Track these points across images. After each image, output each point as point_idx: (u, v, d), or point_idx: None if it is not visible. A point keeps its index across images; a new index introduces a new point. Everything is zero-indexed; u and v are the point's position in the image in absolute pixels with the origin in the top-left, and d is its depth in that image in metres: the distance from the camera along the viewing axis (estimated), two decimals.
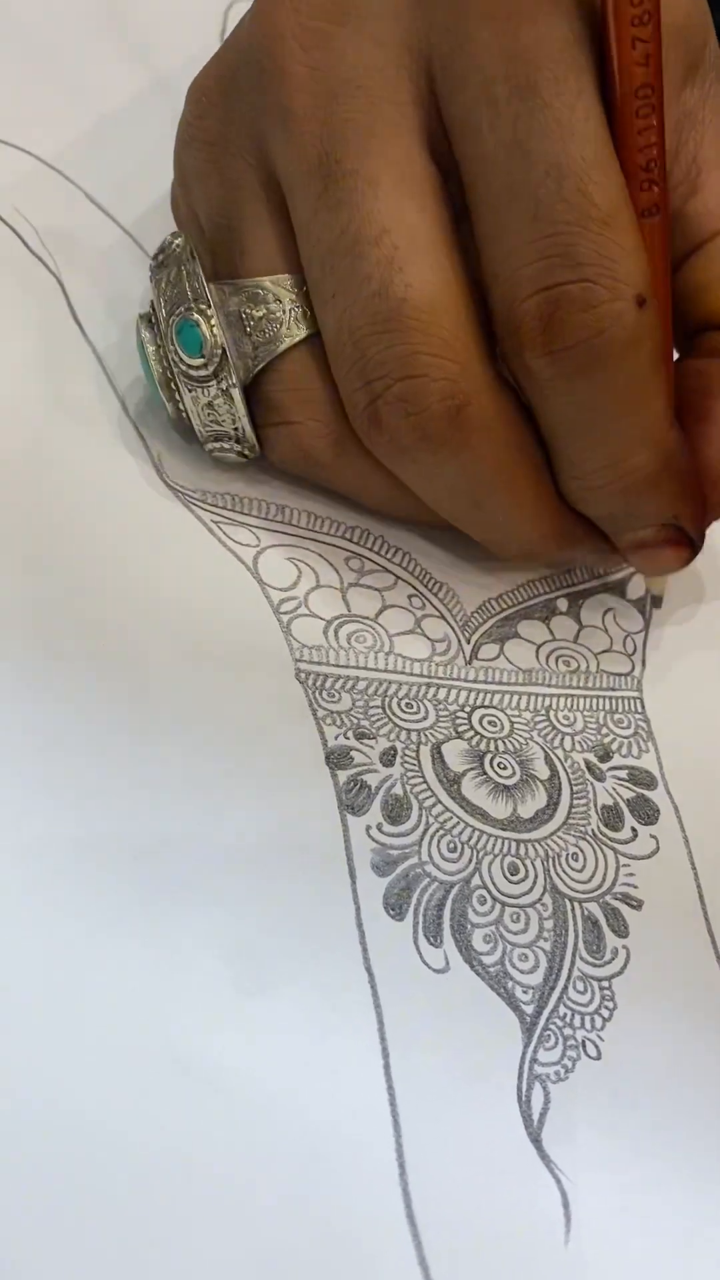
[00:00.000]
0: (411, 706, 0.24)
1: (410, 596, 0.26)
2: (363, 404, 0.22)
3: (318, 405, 0.23)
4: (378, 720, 0.24)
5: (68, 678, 0.21)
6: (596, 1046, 0.21)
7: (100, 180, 0.29)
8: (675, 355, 0.24)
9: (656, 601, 0.28)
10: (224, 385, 0.23)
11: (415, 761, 0.23)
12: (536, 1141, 0.20)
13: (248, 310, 0.23)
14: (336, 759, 0.23)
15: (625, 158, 0.20)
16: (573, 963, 0.22)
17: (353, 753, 0.23)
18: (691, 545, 0.24)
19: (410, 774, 0.23)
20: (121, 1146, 0.17)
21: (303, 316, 0.23)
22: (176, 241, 0.23)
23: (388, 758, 0.23)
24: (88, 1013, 0.18)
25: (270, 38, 0.22)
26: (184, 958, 0.19)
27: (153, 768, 0.21)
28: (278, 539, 0.25)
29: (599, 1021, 0.21)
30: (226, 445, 0.24)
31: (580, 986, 0.22)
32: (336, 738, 0.23)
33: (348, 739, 0.23)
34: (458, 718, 0.24)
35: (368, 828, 0.22)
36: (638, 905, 0.23)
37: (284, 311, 0.23)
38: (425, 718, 0.24)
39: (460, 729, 0.24)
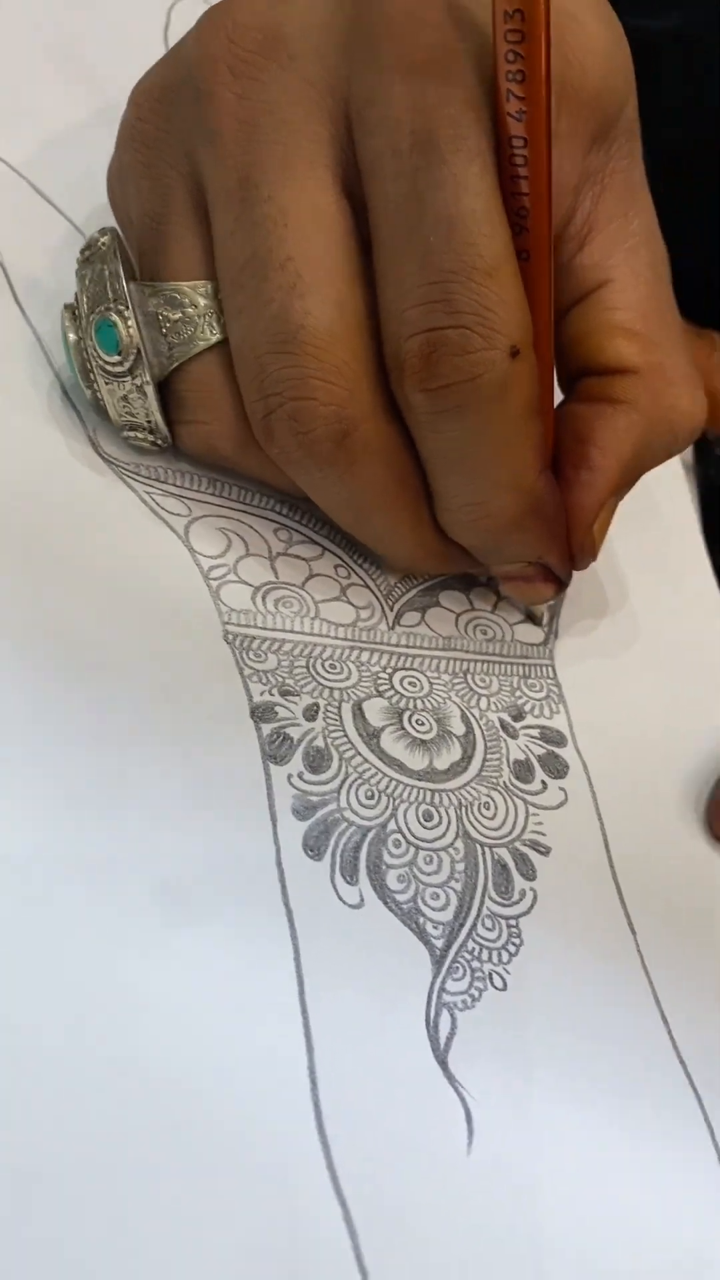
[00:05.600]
0: (335, 667, 0.25)
1: (336, 566, 0.27)
2: (259, 415, 0.23)
3: (223, 408, 0.24)
4: (302, 679, 0.25)
5: (2, 639, 0.23)
6: (502, 978, 0.23)
7: (51, 177, 0.30)
8: (558, 400, 0.26)
9: (534, 619, 0.29)
10: (138, 381, 0.24)
11: (337, 717, 0.25)
12: (443, 1063, 0.21)
13: (165, 312, 0.24)
14: (261, 713, 0.24)
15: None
16: (482, 902, 0.23)
17: (277, 708, 0.24)
18: (557, 583, 0.27)
19: (332, 728, 0.24)
20: (57, 1056, 0.18)
21: (216, 322, 0.24)
22: (103, 239, 0.24)
23: (310, 713, 0.24)
24: (31, 941, 0.19)
25: (206, 60, 0.23)
26: (116, 893, 0.20)
27: (87, 721, 0.22)
28: (209, 510, 0.26)
29: (505, 956, 0.23)
30: (140, 434, 0.25)
31: (489, 924, 0.23)
32: (261, 694, 0.24)
33: (272, 695, 0.24)
34: (379, 678, 0.26)
35: (289, 776, 0.23)
36: (545, 851, 0.25)
37: (199, 316, 0.24)
38: (348, 677, 0.25)
39: (381, 688, 0.26)
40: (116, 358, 0.24)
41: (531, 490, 0.24)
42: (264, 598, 0.26)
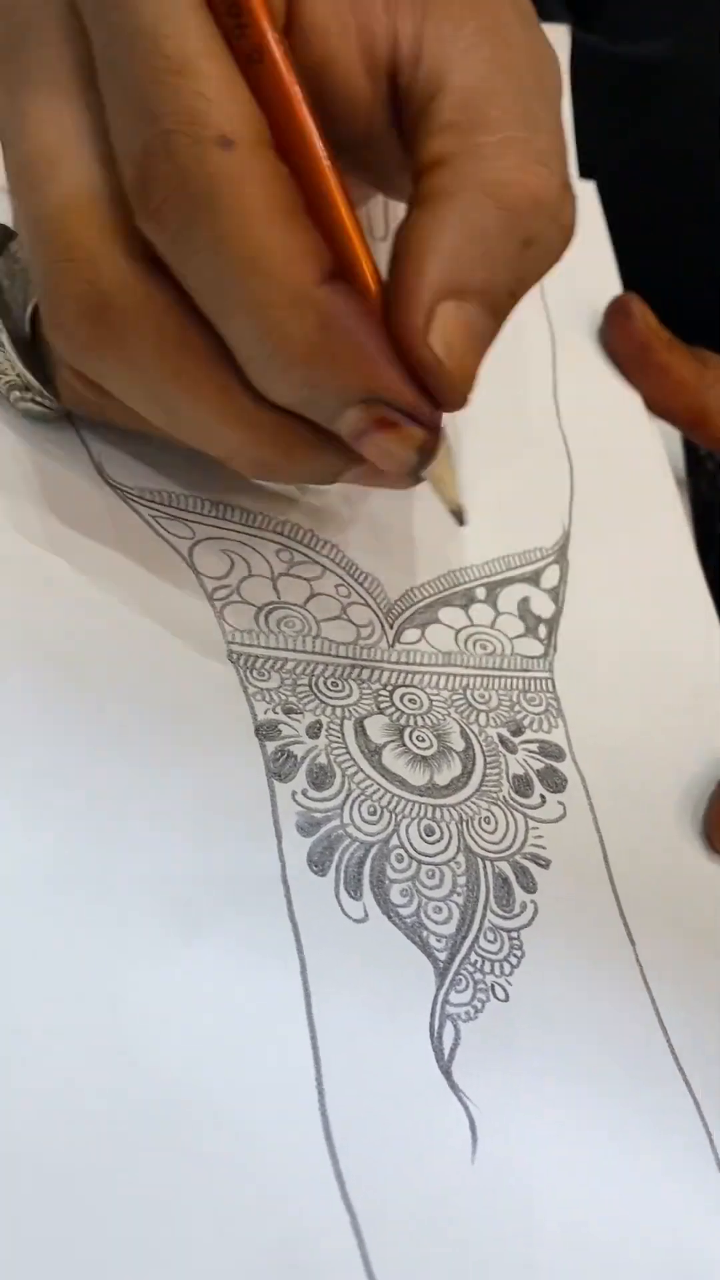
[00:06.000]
0: (337, 685, 0.26)
1: (337, 586, 0.28)
2: (45, 323, 0.22)
3: None
4: (304, 697, 0.25)
5: (11, 659, 0.23)
6: (504, 990, 0.23)
7: None
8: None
9: (459, 518, 0.25)
10: None
11: (339, 734, 0.25)
12: (447, 1073, 0.21)
13: (13, 267, 0.24)
14: (265, 731, 0.24)
15: (211, 6, 0.20)
16: (484, 915, 0.24)
17: (280, 726, 0.25)
18: (416, 424, 0.22)
19: (334, 745, 0.25)
20: (64, 1068, 0.19)
21: None
22: None
23: (313, 730, 0.25)
24: (38, 956, 0.20)
25: None
26: (124, 907, 0.21)
27: (95, 739, 0.23)
28: (212, 532, 0.27)
29: (507, 968, 0.23)
30: (22, 395, 0.25)
31: (490, 936, 0.24)
32: (265, 712, 0.25)
33: (276, 713, 0.25)
34: (380, 695, 0.26)
35: (293, 793, 0.24)
36: (545, 864, 0.25)
37: None
38: (350, 695, 0.26)
39: (382, 705, 0.26)
40: None
41: (313, 303, 0.20)
42: (266, 617, 0.26)
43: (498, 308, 0.22)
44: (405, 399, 0.21)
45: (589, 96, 0.42)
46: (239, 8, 0.20)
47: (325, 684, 0.26)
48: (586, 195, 0.40)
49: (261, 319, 0.20)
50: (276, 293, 0.20)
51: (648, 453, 0.35)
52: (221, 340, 0.21)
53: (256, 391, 0.22)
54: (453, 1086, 0.21)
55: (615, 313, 0.36)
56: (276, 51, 0.20)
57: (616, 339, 0.36)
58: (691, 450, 0.45)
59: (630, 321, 0.36)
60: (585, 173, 0.41)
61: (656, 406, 0.36)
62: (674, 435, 0.39)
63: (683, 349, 0.36)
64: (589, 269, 0.38)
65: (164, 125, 0.20)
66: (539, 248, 0.22)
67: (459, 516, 0.24)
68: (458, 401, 0.22)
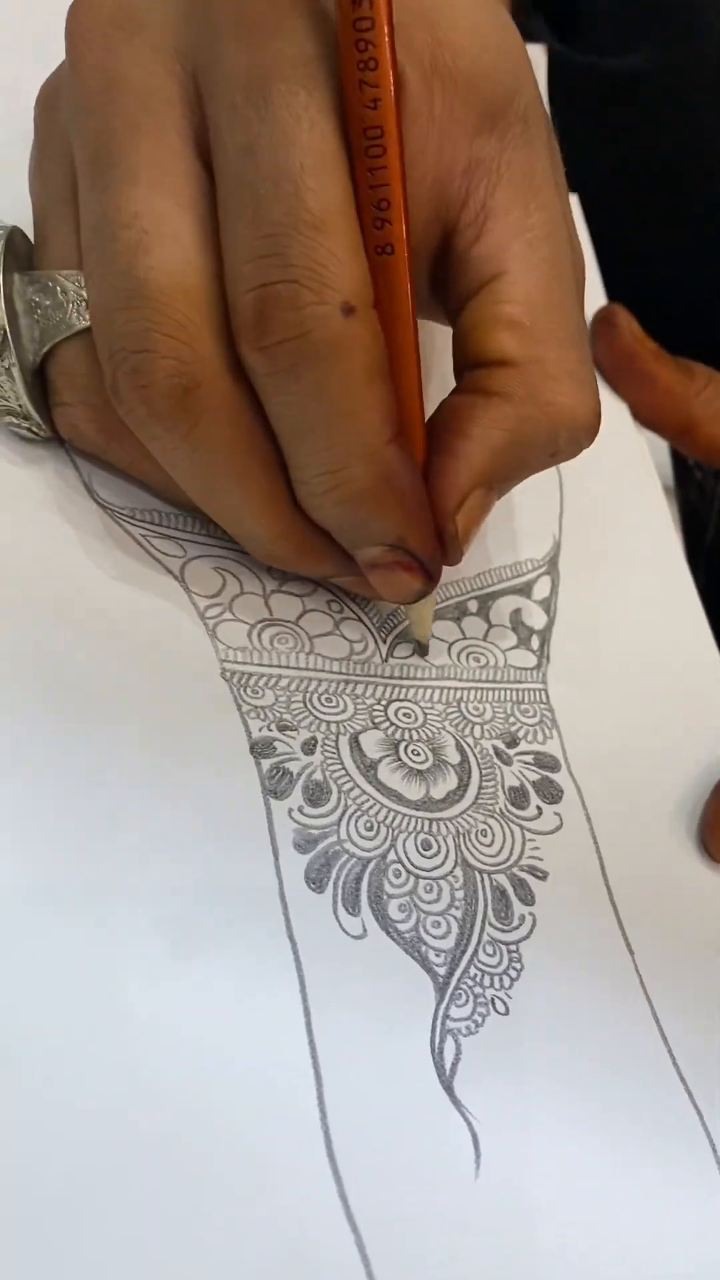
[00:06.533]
0: (331, 701, 0.26)
1: (329, 601, 0.28)
2: (108, 375, 0.23)
3: (86, 390, 0.24)
4: (299, 714, 0.25)
5: (6, 682, 0.23)
6: (504, 1003, 0.23)
7: None
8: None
9: (421, 650, 0.28)
10: (6, 364, 0.25)
11: (334, 750, 0.25)
12: (449, 1088, 0.21)
13: (38, 299, 0.24)
14: (260, 749, 0.24)
15: (358, 195, 0.22)
16: (482, 928, 0.24)
17: (275, 743, 0.25)
18: (424, 573, 0.25)
19: (330, 762, 0.25)
20: (64, 1087, 0.19)
21: (86, 309, 0.24)
22: None
23: (309, 747, 0.25)
24: (34, 974, 0.20)
25: (69, 40, 0.23)
26: (121, 927, 0.21)
27: (89, 760, 0.23)
28: (203, 550, 0.27)
29: (507, 981, 0.23)
30: (16, 421, 0.26)
31: (490, 950, 0.24)
32: (260, 730, 0.25)
33: (271, 731, 0.25)
34: (374, 710, 0.26)
35: (290, 810, 0.24)
36: (543, 876, 0.25)
37: (69, 302, 0.24)
38: (344, 710, 0.26)
39: (377, 720, 0.26)
40: None
41: (382, 458, 0.23)
42: (260, 634, 0.26)
43: (504, 492, 0.26)
44: (428, 554, 0.25)
45: (570, 110, 0.43)
46: (387, 205, 0.22)
47: (320, 700, 0.26)
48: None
49: (333, 460, 0.23)
50: (355, 445, 0.23)
51: (635, 463, 0.35)
52: (280, 452, 0.23)
53: (295, 501, 0.24)
54: (455, 1102, 0.21)
55: (601, 323, 0.36)
56: (406, 245, 0.22)
57: (602, 350, 0.36)
58: (679, 460, 0.45)
59: (616, 332, 0.36)
60: (568, 186, 0.41)
61: (643, 416, 0.36)
62: (661, 445, 0.40)
63: (669, 359, 0.36)
64: None
65: (293, 275, 0.21)
66: (561, 457, 0.26)
67: (422, 649, 0.28)
68: (456, 560, 0.25)
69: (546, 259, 0.24)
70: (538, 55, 0.44)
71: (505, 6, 0.32)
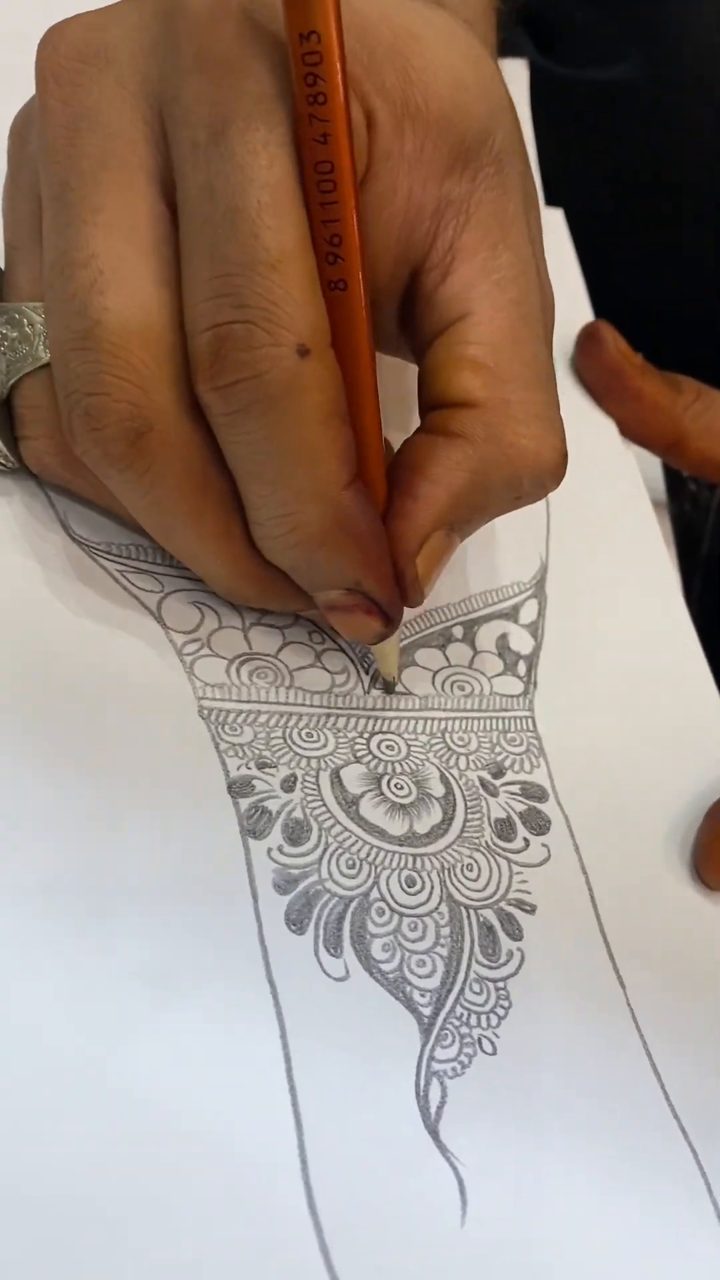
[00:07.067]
0: (311, 735, 0.26)
1: (310, 633, 0.27)
2: (64, 415, 0.23)
3: (50, 424, 0.24)
4: (278, 750, 0.25)
5: None
6: (492, 1043, 0.23)
7: None
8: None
9: (388, 687, 0.27)
10: None
11: (315, 786, 0.25)
12: (434, 1133, 0.21)
13: (5, 331, 0.24)
14: (238, 788, 0.24)
15: (312, 230, 0.21)
16: (469, 966, 0.23)
17: (254, 781, 0.24)
18: (383, 616, 0.24)
19: (310, 798, 0.25)
20: (40, 1147, 0.18)
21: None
22: None
23: (288, 784, 0.25)
24: (11, 1028, 0.19)
25: (38, 75, 0.23)
26: (98, 976, 0.20)
27: (60, 804, 0.22)
28: (181, 585, 0.27)
29: (494, 1020, 0.23)
30: None
31: (476, 988, 0.23)
32: (238, 768, 0.24)
33: (249, 769, 0.24)
34: (356, 744, 0.26)
35: (269, 850, 0.23)
36: (531, 910, 0.25)
37: (35, 335, 0.24)
38: (325, 745, 0.26)
39: (359, 754, 0.26)
40: None
41: (337, 502, 0.23)
42: (239, 670, 0.26)
43: (467, 534, 0.25)
44: (387, 598, 0.24)
45: (552, 122, 0.42)
46: (339, 240, 0.21)
47: (300, 735, 0.26)
48: (555, 223, 0.40)
49: (288, 504, 0.23)
50: (309, 486, 0.22)
51: (624, 480, 0.35)
52: (236, 491, 0.23)
53: (252, 542, 0.24)
54: (440, 1147, 0.21)
55: (587, 340, 0.36)
56: (360, 281, 0.22)
57: (589, 366, 0.36)
58: (672, 472, 0.45)
59: (602, 348, 0.36)
60: (552, 200, 0.41)
61: (631, 432, 0.36)
62: (653, 458, 0.39)
63: (656, 374, 0.36)
64: (559, 297, 0.38)
65: (249, 315, 0.21)
66: (526, 499, 0.25)
67: (389, 686, 0.27)
68: (418, 603, 0.25)
69: (513, 300, 0.24)
70: (520, 69, 0.44)
71: (485, 42, 0.31)
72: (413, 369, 0.26)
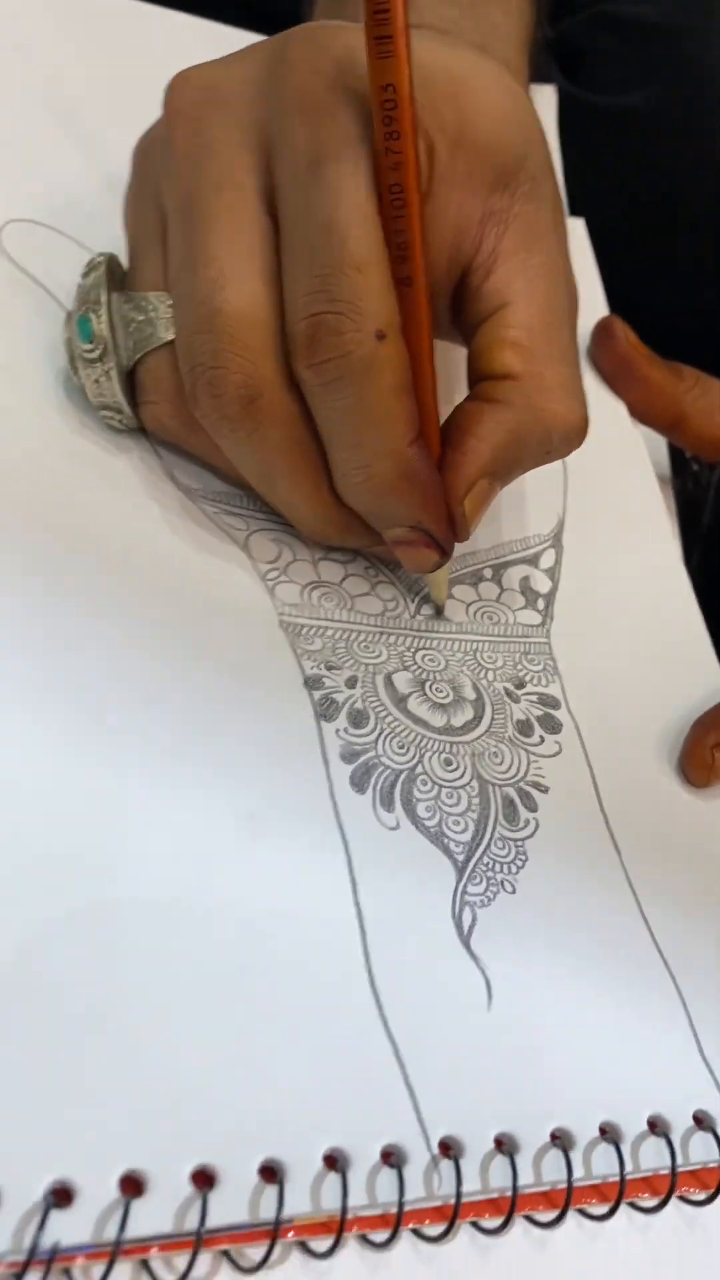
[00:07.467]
0: (369, 647, 0.32)
1: (367, 568, 0.33)
2: (188, 385, 0.28)
3: (169, 391, 0.30)
4: (342, 656, 0.31)
5: (92, 633, 0.29)
6: (513, 885, 0.28)
7: (87, 231, 0.36)
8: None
9: (438, 611, 0.33)
10: (106, 367, 0.30)
11: (372, 686, 0.31)
12: (466, 945, 0.27)
13: (132, 315, 0.30)
14: (312, 683, 0.30)
15: (386, 239, 0.27)
16: (494, 827, 0.29)
17: (324, 679, 0.30)
18: (439, 549, 0.30)
19: (368, 694, 0.30)
20: (157, 937, 0.24)
21: (170, 325, 0.29)
22: (98, 259, 0.31)
23: (350, 683, 0.30)
24: (146, 845, 0.25)
25: (166, 113, 0.29)
26: (208, 818, 0.26)
27: (178, 690, 0.28)
28: (264, 525, 0.33)
29: (514, 869, 0.29)
30: (111, 414, 0.32)
31: (500, 844, 0.29)
32: (311, 668, 0.30)
33: (320, 669, 0.30)
34: (404, 656, 0.32)
35: (336, 730, 0.29)
36: (545, 790, 0.31)
37: (158, 319, 0.30)
38: (379, 655, 0.32)
39: (407, 664, 0.32)
40: (89, 346, 0.30)
41: (404, 456, 0.28)
42: (310, 593, 0.32)
43: (505, 484, 0.31)
44: (442, 533, 0.30)
45: (578, 143, 0.48)
46: (407, 246, 0.27)
47: (359, 646, 0.31)
48: (577, 232, 0.46)
49: (366, 459, 0.28)
50: (382, 445, 0.28)
51: (632, 453, 0.41)
52: (323, 450, 0.29)
53: (335, 491, 0.29)
54: (472, 955, 0.27)
55: (600, 332, 0.42)
56: (423, 279, 0.27)
57: (602, 355, 0.42)
58: (677, 452, 0.50)
59: (614, 340, 0.42)
60: (574, 211, 0.46)
61: (638, 413, 0.42)
62: (661, 440, 0.45)
63: (660, 362, 0.42)
64: (580, 297, 0.44)
65: (338, 307, 0.26)
66: (555, 455, 0.31)
67: (439, 610, 0.33)
68: (465, 539, 0.30)
69: (544, 293, 0.30)
70: (549, 95, 0.50)
71: (520, 78, 0.37)
72: (460, 351, 0.32)
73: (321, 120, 0.27)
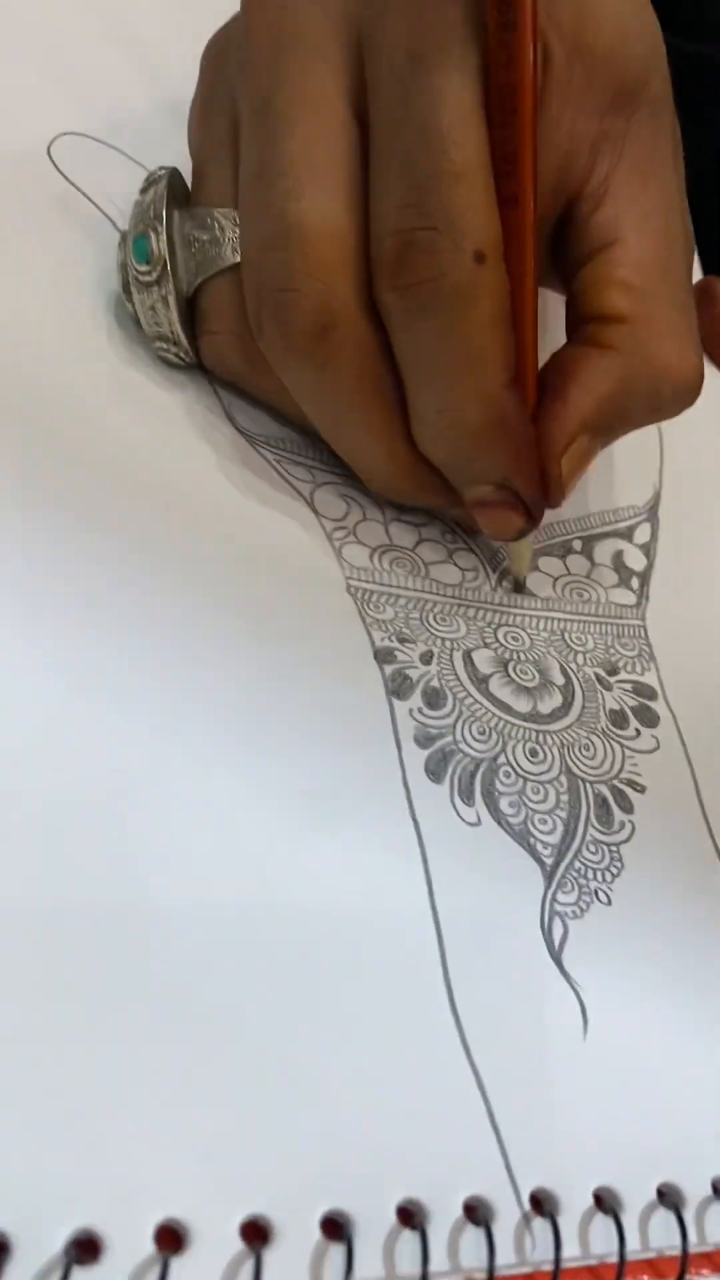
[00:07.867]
0: (445, 620, 0.28)
1: (443, 533, 0.30)
2: (253, 311, 0.25)
3: (233, 321, 0.26)
4: (416, 628, 0.27)
5: (152, 591, 0.25)
6: (607, 895, 0.25)
7: (145, 150, 0.33)
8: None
9: (518, 585, 0.29)
10: (163, 292, 0.27)
11: (449, 663, 0.27)
12: (558, 961, 0.23)
13: (195, 234, 0.26)
14: (383, 656, 0.26)
15: (492, 149, 0.23)
16: (585, 829, 0.26)
17: (396, 652, 0.27)
18: (526, 513, 0.26)
19: (445, 672, 0.27)
20: (214, 936, 0.21)
21: (239, 246, 0.26)
22: (159, 172, 0.27)
23: (426, 658, 0.27)
24: (207, 829, 0.22)
25: (245, 4, 0.26)
26: (270, 803, 0.23)
27: (237, 664, 0.24)
28: (330, 478, 0.29)
29: (609, 877, 0.25)
30: (165, 345, 0.28)
31: (593, 848, 0.25)
32: (382, 640, 0.27)
33: (392, 641, 0.27)
34: (485, 632, 0.28)
35: (410, 710, 0.26)
36: (641, 789, 0.27)
37: (225, 240, 0.26)
38: (457, 629, 0.28)
39: (487, 640, 0.28)
40: (146, 268, 0.27)
41: (497, 400, 0.24)
42: (380, 557, 0.28)
43: (607, 443, 0.27)
44: (532, 495, 0.26)
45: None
46: (514, 158, 0.23)
47: (435, 618, 0.28)
48: None
49: (453, 401, 0.24)
50: (474, 386, 0.24)
51: None
52: (403, 390, 0.25)
53: (412, 438, 0.26)
54: (564, 973, 0.23)
55: (700, 294, 0.38)
56: (531, 198, 0.24)
57: (702, 319, 0.38)
58: None
59: (714, 304, 0.38)
60: None
61: None
62: None
63: None
64: None
65: (432, 222, 0.23)
66: (664, 413, 0.27)
67: (519, 584, 0.30)
68: (558, 503, 0.26)
69: (659, 229, 0.26)
70: None
71: None
72: (553, 297, 0.28)
73: (424, 9, 0.23)
